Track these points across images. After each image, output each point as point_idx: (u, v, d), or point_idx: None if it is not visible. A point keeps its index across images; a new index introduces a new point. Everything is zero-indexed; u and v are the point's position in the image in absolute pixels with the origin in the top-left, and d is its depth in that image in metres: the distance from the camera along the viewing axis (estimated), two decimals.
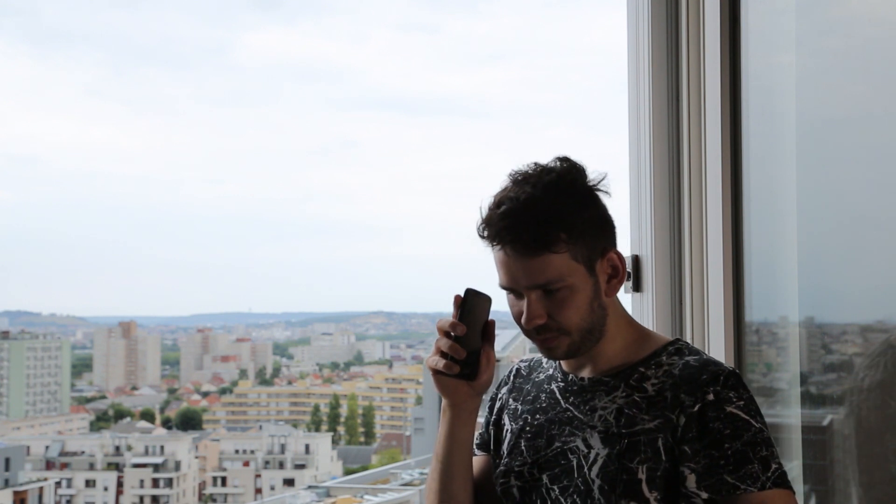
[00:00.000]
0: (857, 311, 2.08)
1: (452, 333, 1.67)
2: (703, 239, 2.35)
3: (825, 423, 2.13)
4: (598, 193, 1.67)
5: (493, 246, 1.64)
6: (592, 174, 1.67)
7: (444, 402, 1.75)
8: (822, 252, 2.14)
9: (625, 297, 2.44)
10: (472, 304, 1.68)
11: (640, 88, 2.47)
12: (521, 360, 1.88)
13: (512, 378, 1.87)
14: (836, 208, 2.10)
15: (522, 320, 1.64)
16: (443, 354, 1.68)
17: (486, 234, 1.63)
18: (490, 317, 1.72)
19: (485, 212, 1.63)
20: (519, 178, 1.64)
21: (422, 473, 60.99)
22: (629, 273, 2.43)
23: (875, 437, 1.96)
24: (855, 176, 2.04)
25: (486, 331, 1.71)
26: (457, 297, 1.68)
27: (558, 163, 1.65)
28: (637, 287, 2.45)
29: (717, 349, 2.27)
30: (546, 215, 1.60)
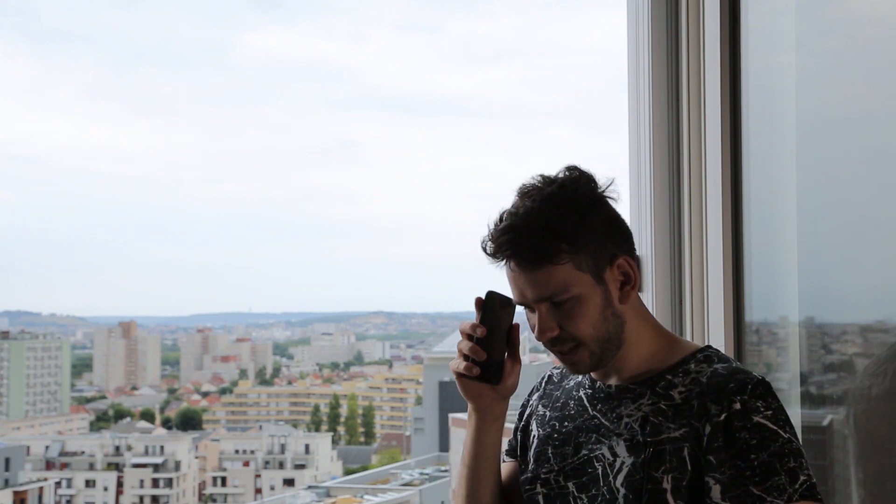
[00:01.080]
0: (857, 311, 2.08)
1: (474, 336, 1.67)
2: (703, 239, 2.34)
3: (825, 423, 2.13)
4: (608, 200, 1.65)
5: (497, 262, 1.64)
6: (601, 180, 1.65)
7: (469, 406, 1.74)
8: (822, 252, 2.14)
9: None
10: (493, 307, 1.67)
11: (640, 88, 2.47)
12: (554, 367, 1.87)
13: (543, 384, 1.85)
14: (836, 208, 2.10)
15: (535, 334, 1.64)
16: (464, 357, 1.68)
17: (488, 249, 1.63)
18: (515, 321, 1.71)
19: (490, 229, 1.63)
20: (523, 192, 1.63)
21: (422, 473, 60.96)
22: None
23: (885, 446, 1.95)
24: (855, 176, 2.04)
25: (511, 335, 1.70)
26: (478, 300, 1.67)
27: (564, 172, 1.64)
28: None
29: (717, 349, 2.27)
30: (544, 227, 1.59)
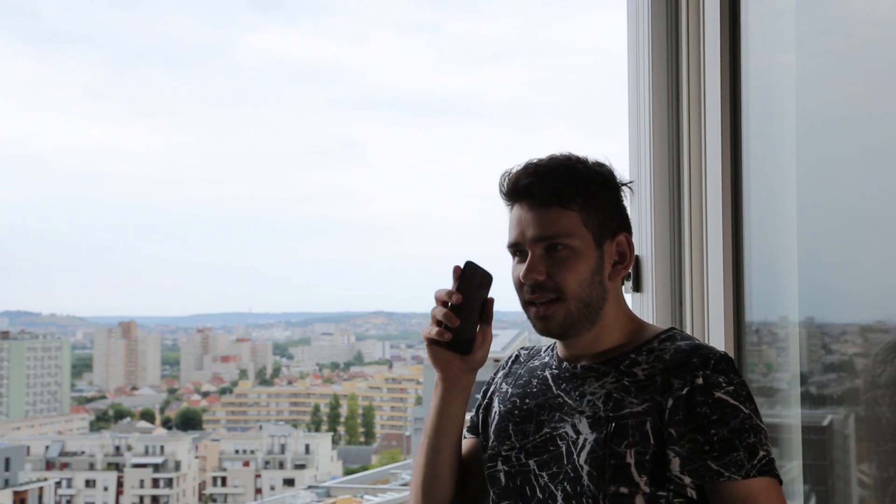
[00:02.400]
0: (857, 311, 2.08)
1: (448, 303, 1.67)
2: (703, 239, 2.34)
3: (825, 423, 2.13)
4: (623, 193, 1.73)
5: (510, 203, 1.69)
6: (621, 174, 1.73)
7: (436, 375, 1.75)
8: (822, 252, 2.14)
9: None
10: (471, 277, 1.67)
11: (640, 88, 2.47)
12: (522, 348, 1.88)
13: (509, 364, 1.87)
14: (836, 208, 2.10)
15: (521, 274, 1.65)
16: (437, 323, 1.68)
17: (506, 184, 1.68)
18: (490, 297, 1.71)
19: (511, 170, 1.69)
20: (551, 154, 1.70)
21: None
22: (629, 273, 2.42)
23: (890, 433, 1.95)
24: (855, 176, 2.04)
25: (485, 308, 1.71)
26: (456, 268, 1.68)
27: (591, 157, 1.72)
28: (637, 287, 2.45)
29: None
30: (566, 174, 1.65)
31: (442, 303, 1.68)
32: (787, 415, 2.22)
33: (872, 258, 1.98)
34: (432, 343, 1.69)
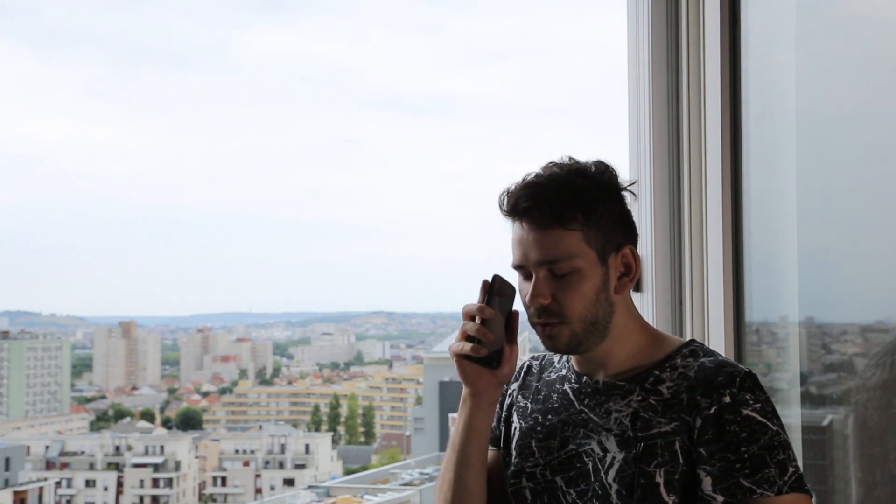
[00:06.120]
0: (857, 311, 2.08)
1: (479, 318, 1.66)
2: (703, 239, 2.35)
3: (825, 423, 2.13)
4: (626, 196, 1.70)
5: (511, 220, 1.66)
6: (623, 177, 1.70)
7: (464, 391, 1.73)
8: (822, 252, 2.14)
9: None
10: (498, 291, 1.67)
11: (640, 88, 2.47)
12: (533, 358, 1.87)
13: (522, 375, 1.85)
14: (836, 208, 2.10)
15: (527, 297, 1.64)
16: (468, 338, 1.67)
17: (505, 203, 1.65)
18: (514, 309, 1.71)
19: (510, 187, 1.67)
20: (551, 163, 1.68)
21: (422, 473, 60.89)
22: None
23: (877, 436, 1.96)
24: (855, 176, 2.04)
25: (510, 322, 1.70)
26: (485, 282, 1.67)
27: (592, 160, 1.69)
28: (637, 287, 2.45)
29: (717, 349, 2.27)
30: (566, 193, 1.63)
31: (471, 317, 1.67)
32: (787, 415, 2.22)
33: (872, 258, 1.98)
34: (465, 358, 1.68)
